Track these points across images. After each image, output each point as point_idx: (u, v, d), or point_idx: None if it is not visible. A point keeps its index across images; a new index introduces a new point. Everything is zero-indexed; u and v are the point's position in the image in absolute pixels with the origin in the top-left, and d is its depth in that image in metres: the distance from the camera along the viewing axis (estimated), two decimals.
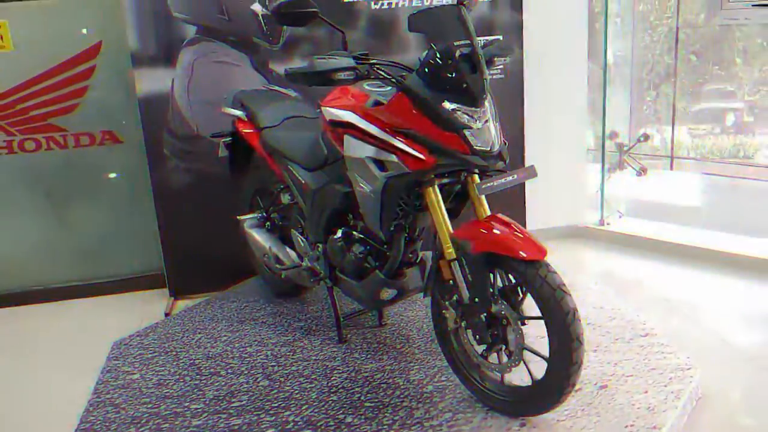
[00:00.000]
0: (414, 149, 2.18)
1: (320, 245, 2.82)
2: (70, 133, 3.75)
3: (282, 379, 2.69)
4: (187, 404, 2.56)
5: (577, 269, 3.79)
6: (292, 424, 2.39)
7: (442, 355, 2.71)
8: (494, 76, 3.77)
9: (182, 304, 3.74)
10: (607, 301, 3.20)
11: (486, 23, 3.69)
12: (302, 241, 2.94)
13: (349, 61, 2.18)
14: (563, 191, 4.20)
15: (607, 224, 4.29)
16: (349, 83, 2.24)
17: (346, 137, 2.38)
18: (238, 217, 3.28)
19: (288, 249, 3.07)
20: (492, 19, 3.70)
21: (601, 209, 4.25)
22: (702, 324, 3.18)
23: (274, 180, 3.16)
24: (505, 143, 2.30)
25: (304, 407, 2.48)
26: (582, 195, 4.28)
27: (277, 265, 3.07)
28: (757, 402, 2.55)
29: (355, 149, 2.34)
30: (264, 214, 3.23)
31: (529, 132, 3.95)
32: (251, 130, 3.10)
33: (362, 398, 2.52)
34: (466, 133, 2.14)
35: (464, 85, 2.13)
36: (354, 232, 2.67)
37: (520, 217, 4.05)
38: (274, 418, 2.43)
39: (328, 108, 2.47)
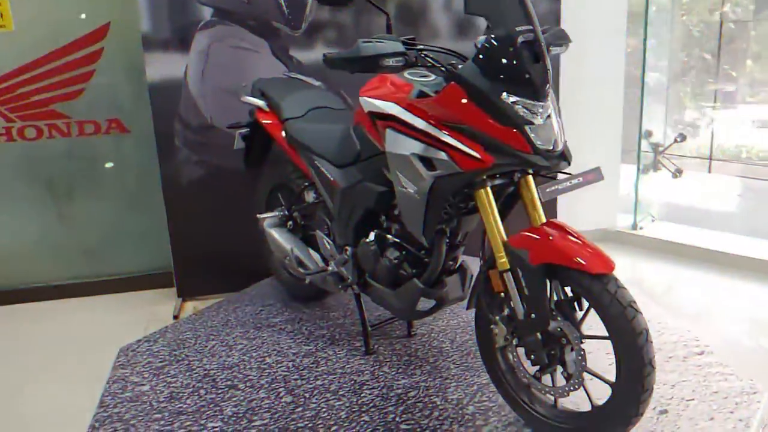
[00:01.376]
0: (468, 147, 1.94)
1: (349, 248, 2.58)
2: (74, 120, 3.50)
3: (307, 395, 2.45)
4: (203, 422, 2.33)
5: None
6: None
7: (481, 372, 2.51)
8: None
9: (191, 305, 3.51)
10: (651, 313, 2.96)
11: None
12: (329, 243, 2.70)
13: (397, 46, 1.95)
14: (595, 193, 3.95)
15: (641, 228, 4.06)
16: (398, 70, 2.00)
17: (388, 131, 2.14)
18: (257, 215, 3.03)
19: (312, 251, 2.83)
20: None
21: (635, 213, 4.02)
22: (753, 338, 2.97)
23: (297, 176, 2.92)
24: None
25: (333, 428, 2.25)
26: (615, 197, 4.05)
27: (301, 269, 2.83)
28: None
29: (399, 145, 2.10)
30: (286, 212, 2.98)
31: None
32: (273, 122, 2.85)
33: (397, 419, 2.28)
34: (528, 129, 1.91)
35: (527, 76, 1.89)
36: (388, 236, 2.43)
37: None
38: None
39: (367, 98, 2.23)
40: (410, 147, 2.07)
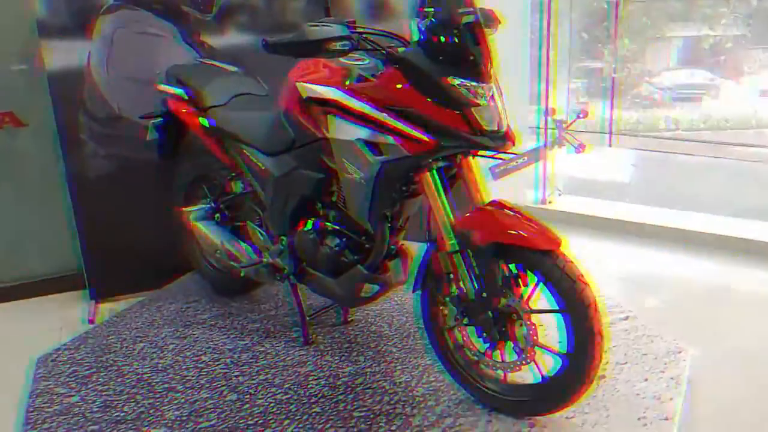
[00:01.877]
0: (415, 130, 1.94)
1: (284, 238, 2.52)
2: None
3: (252, 392, 2.39)
4: (145, 428, 2.21)
5: None
6: None
7: (424, 353, 2.54)
8: None
9: (106, 307, 3.30)
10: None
11: None
12: (261, 234, 2.62)
13: (343, 29, 1.90)
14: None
15: (549, 203, 4.22)
16: (344, 54, 1.95)
17: (330, 118, 2.10)
18: (183, 209, 2.89)
19: (242, 243, 2.74)
20: None
21: (544, 187, 4.17)
22: (667, 301, 3.17)
23: (219, 166, 2.81)
24: None
25: (285, 422, 2.21)
26: (523, 173, 4.18)
27: (232, 263, 2.73)
28: (740, 374, 2.54)
29: (344, 131, 2.07)
30: (213, 204, 2.87)
31: None
32: (190, 110, 2.72)
33: (349, 407, 2.27)
34: (473, 111, 1.93)
35: (471, 58, 1.90)
36: (327, 223, 2.39)
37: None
38: None
39: (305, 84, 2.17)
40: (357, 133, 2.04)
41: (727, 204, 4.22)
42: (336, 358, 2.57)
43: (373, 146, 2.02)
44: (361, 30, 2.03)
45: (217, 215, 2.84)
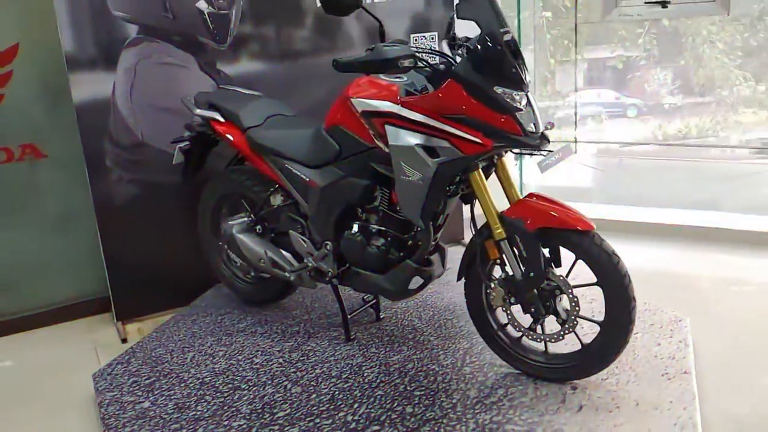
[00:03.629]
0: (469, 134, 2.24)
1: (329, 243, 2.76)
2: None
3: (314, 383, 2.60)
4: (226, 422, 2.40)
5: None
6: (354, 423, 2.33)
7: (460, 338, 2.82)
8: None
9: (133, 327, 3.43)
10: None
11: (421, 18, 3.82)
12: (305, 241, 2.85)
13: (408, 49, 2.20)
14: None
15: None
16: (408, 70, 2.25)
17: (389, 127, 2.38)
18: (227, 223, 3.08)
19: (284, 252, 2.96)
20: (428, 16, 3.84)
21: (521, 194, 4.54)
22: (649, 286, 3.56)
23: (252, 183, 3.04)
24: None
25: (355, 405, 2.43)
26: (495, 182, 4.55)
27: (275, 270, 2.94)
28: (728, 334, 2.93)
29: (402, 138, 2.35)
30: (253, 217, 3.07)
31: None
32: (233, 131, 2.95)
33: (409, 388, 2.52)
34: (518, 115, 2.25)
35: (513, 70, 2.23)
36: (371, 225, 2.65)
37: (458, 208, 4.21)
38: (331, 421, 2.36)
39: (361, 99, 2.45)
40: (413, 139, 2.32)
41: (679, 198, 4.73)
42: (381, 349, 2.82)
43: (429, 150, 2.31)
44: (414, 49, 2.32)
45: (258, 227, 3.05)
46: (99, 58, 3.19)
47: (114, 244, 3.35)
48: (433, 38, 3.86)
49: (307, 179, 2.74)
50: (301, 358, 2.80)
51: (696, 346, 2.75)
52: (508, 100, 2.23)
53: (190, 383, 2.67)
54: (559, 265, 2.42)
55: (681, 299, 3.35)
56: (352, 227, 2.68)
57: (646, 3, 4.17)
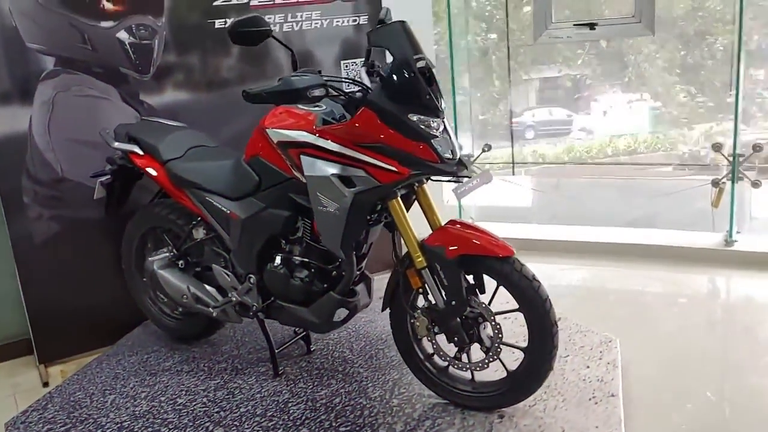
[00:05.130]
0: (385, 162, 2.21)
1: (252, 276, 2.69)
2: None
3: (237, 423, 2.52)
4: None
5: None
6: None
7: (389, 369, 2.77)
8: None
9: (56, 370, 3.29)
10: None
11: (351, 44, 3.80)
12: (228, 275, 2.77)
13: (318, 78, 2.16)
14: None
15: None
16: (319, 100, 2.20)
17: (303, 158, 2.33)
18: (147, 259, 2.99)
19: (207, 286, 2.87)
20: (358, 42, 3.82)
21: (459, 216, 4.54)
22: (582, 304, 3.57)
23: (176, 217, 2.95)
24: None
25: None
26: (441, 204, 4.54)
27: (199, 306, 2.85)
28: (658, 355, 2.93)
29: (317, 168, 2.30)
30: (175, 252, 2.98)
31: None
32: (152, 164, 2.87)
33: (333, 425, 2.45)
34: (433, 142, 2.22)
35: (427, 97, 2.21)
36: (294, 257, 2.60)
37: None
38: None
39: (276, 129, 2.40)
40: (328, 169, 2.28)
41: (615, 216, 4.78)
42: (309, 384, 2.75)
43: (345, 180, 2.27)
44: (326, 78, 2.29)
45: (180, 262, 2.96)
46: (13, 92, 3.09)
47: (34, 284, 3.22)
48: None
49: (228, 212, 2.68)
50: (227, 397, 2.71)
51: (626, 367, 2.75)
52: (423, 127, 2.20)
53: (108, 429, 2.56)
54: (483, 291, 2.39)
55: (615, 317, 3.36)
56: (274, 259, 2.62)
57: (575, 25, 4.23)
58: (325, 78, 2.27)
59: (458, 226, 2.36)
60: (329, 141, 2.28)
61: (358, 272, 2.60)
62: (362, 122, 2.22)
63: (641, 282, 3.91)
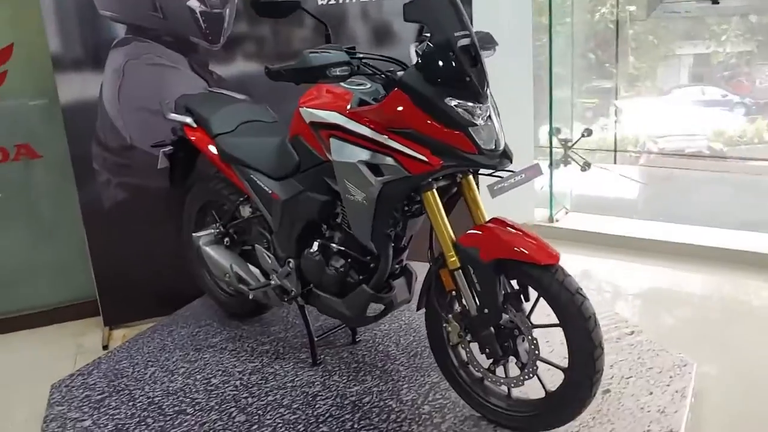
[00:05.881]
0: (415, 151, 1.99)
1: (291, 260, 2.57)
2: None
3: (260, 413, 2.42)
4: None
5: None
6: None
7: (430, 371, 2.57)
8: None
9: (119, 333, 3.37)
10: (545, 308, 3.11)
11: None
12: (269, 257, 2.67)
13: (342, 56, 1.97)
14: (513, 189, 4.12)
15: (556, 221, 4.26)
16: (344, 79, 2.02)
17: (332, 140, 2.16)
18: (193, 234, 2.96)
19: (251, 267, 2.79)
20: None
21: (551, 206, 4.21)
22: (674, 315, 3.18)
23: (230, 192, 2.87)
24: None
25: None
26: (531, 192, 4.23)
27: (242, 285, 2.78)
28: (746, 388, 2.54)
29: (345, 153, 2.13)
30: (221, 229, 2.93)
31: None
32: (203, 138, 2.80)
33: (356, 426, 2.30)
34: (471, 130, 1.98)
35: (467, 79, 1.96)
36: (332, 244, 2.44)
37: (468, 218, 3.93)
38: None
39: (308, 109, 2.24)
40: (357, 155, 2.09)
41: (733, 217, 4.24)
42: (344, 378, 2.61)
43: (373, 168, 2.07)
44: (362, 55, 2.09)
45: (226, 239, 2.90)
46: (86, 59, 3.13)
47: (101, 249, 3.29)
48: None
49: (270, 192, 2.56)
50: (259, 382, 2.62)
51: (702, 398, 2.40)
52: (461, 113, 1.96)
53: (139, 402, 2.55)
54: (527, 300, 2.13)
55: (707, 337, 2.96)
56: (312, 245, 2.48)
57: None
58: (360, 55, 2.08)
59: (501, 225, 2.10)
60: (360, 124, 2.09)
61: (397, 265, 2.42)
62: (393, 105, 2.01)
63: (753, 297, 3.42)
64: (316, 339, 2.74)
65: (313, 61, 1.93)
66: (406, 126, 2.00)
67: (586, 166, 4.32)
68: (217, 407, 2.48)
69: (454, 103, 1.96)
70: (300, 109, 2.28)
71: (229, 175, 2.75)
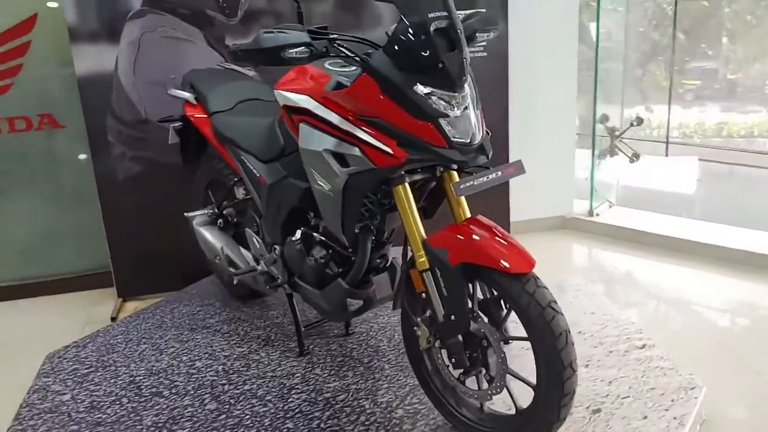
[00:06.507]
0: (381, 142, 1.84)
1: (277, 247, 2.47)
2: (4, 116, 3.35)
3: (232, 401, 2.35)
4: None
5: (564, 265, 3.47)
6: None
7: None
8: (476, 54, 3.44)
9: (131, 306, 3.39)
10: (598, 304, 2.89)
11: None
12: (257, 241, 2.59)
13: (301, 36, 1.82)
14: (551, 179, 3.88)
15: (597, 215, 3.98)
16: (304, 62, 1.87)
17: (301, 126, 2.04)
18: (186, 214, 2.92)
19: (243, 250, 2.72)
20: None
21: (591, 198, 3.94)
22: (702, 330, 2.90)
23: (228, 172, 2.80)
24: (488, 133, 1.97)
25: None
26: (570, 183, 3.97)
27: (230, 269, 2.72)
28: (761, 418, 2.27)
29: (312, 140, 2.00)
30: (216, 210, 2.87)
31: (514, 115, 3.61)
32: (201, 116, 2.73)
33: (321, 425, 2.19)
34: (442, 122, 1.81)
35: (440, 66, 1.78)
36: (315, 234, 2.32)
37: (503, 207, 3.72)
38: None
39: (282, 91, 2.12)
40: (323, 142, 1.96)
41: None
42: (326, 371, 2.50)
43: (339, 157, 1.93)
44: (334, 36, 1.95)
45: (220, 221, 2.83)
46: (102, 30, 3.12)
47: (115, 220, 3.31)
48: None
49: (258, 174, 2.46)
50: (241, 369, 2.56)
51: (711, 428, 2.16)
52: (430, 102, 1.79)
53: (120, 381, 2.53)
54: (506, 308, 1.95)
55: (731, 356, 2.68)
56: (295, 233, 2.37)
57: None
58: (334, 36, 1.93)
59: (477, 226, 1.91)
60: (329, 110, 1.95)
61: (379, 260, 2.28)
62: (360, 91, 1.86)
63: None
64: (304, 328, 2.65)
65: (265, 42, 1.80)
66: (373, 114, 1.85)
67: (634, 157, 4.00)
68: (192, 392, 2.43)
69: (424, 91, 1.79)
70: (275, 91, 2.16)
71: (224, 154, 2.67)
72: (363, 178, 1.92)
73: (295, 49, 1.81)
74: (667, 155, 4.34)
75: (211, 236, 2.79)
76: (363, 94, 1.86)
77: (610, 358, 2.47)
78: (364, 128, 1.87)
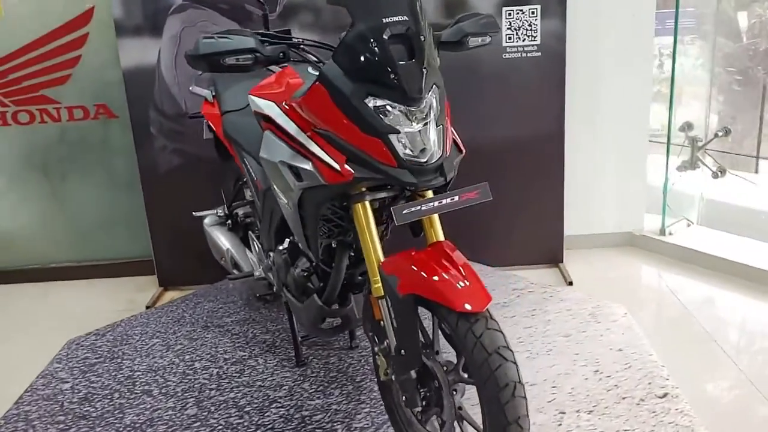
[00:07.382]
0: (331, 157, 1.70)
1: (271, 254, 2.40)
2: (63, 105, 3.50)
3: (213, 409, 2.32)
4: (99, 429, 2.25)
5: (611, 290, 3.11)
6: None
7: None
8: (529, 54, 3.18)
9: (170, 295, 3.45)
10: (630, 340, 2.57)
11: None
12: (258, 246, 2.53)
13: (243, 41, 1.71)
14: (617, 190, 3.53)
15: (670, 234, 3.57)
16: (248, 69, 1.76)
17: (265, 134, 1.93)
18: (195, 213, 2.91)
19: (249, 253, 2.67)
20: None
21: (663, 215, 3.54)
22: (753, 389, 2.50)
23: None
24: (462, 152, 1.78)
25: None
26: (641, 196, 3.59)
27: (234, 271, 2.68)
28: None
29: (271, 150, 1.89)
30: (226, 210, 2.84)
31: (572, 118, 3.29)
32: (214, 114, 2.70)
33: None
34: (393, 138, 1.64)
35: (392, 76, 1.61)
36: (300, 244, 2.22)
37: (557, 219, 3.41)
38: None
39: (252, 96, 2.03)
40: (280, 153, 1.85)
41: None
42: (313, 387, 2.41)
43: (294, 171, 1.81)
44: (297, 41, 1.82)
45: (228, 222, 2.80)
46: (145, 24, 3.16)
47: (157, 211, 3.38)
48: (533, 13, 3.12)
49: (255, 178, 2.39)
50: (234, 374, 2.52)
51: None
52: (380, 116, 1.63)
53: (119, 375, 2.57)
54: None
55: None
56: (283, 241, 2.28)
57: None
58: (297, 40, 1.81)
59: (437, 252, 1.73)
60: (289, 119, 1.83)
61: (361, 277, 2.14)
62: (312, 101, 1.73)
63: None
64: (301, 340, 2.56)
65: (203, 48, 1.70)
66: (325, 127, 1.72)
67: (719, 172, 3.56)
68: (179, 394, 2.42)
69: (376, 103, 1.63)
70: (248, 95, 2.07)
71: (233, 155, 2.63)
72: (317, 194, 1.79)
73: (236, 56, 1.70)
74: (757, 172, 3.82)
75: (218, 237, 2.77)
76: (315, 105, 1.72)
77: (620, 405, 2.19)
78: (316, 141, 1.74)
